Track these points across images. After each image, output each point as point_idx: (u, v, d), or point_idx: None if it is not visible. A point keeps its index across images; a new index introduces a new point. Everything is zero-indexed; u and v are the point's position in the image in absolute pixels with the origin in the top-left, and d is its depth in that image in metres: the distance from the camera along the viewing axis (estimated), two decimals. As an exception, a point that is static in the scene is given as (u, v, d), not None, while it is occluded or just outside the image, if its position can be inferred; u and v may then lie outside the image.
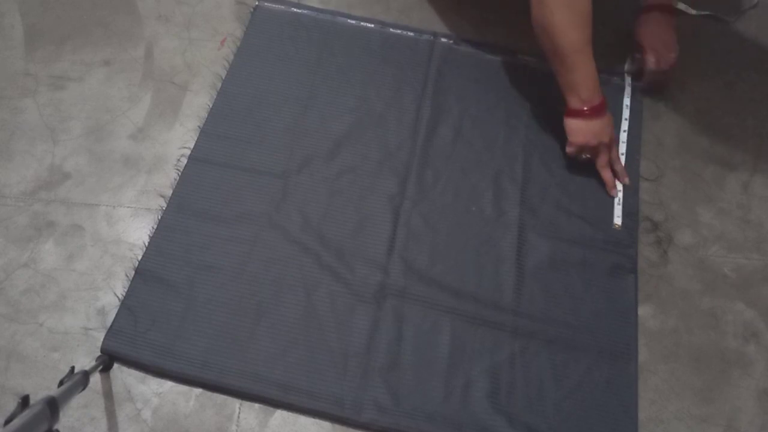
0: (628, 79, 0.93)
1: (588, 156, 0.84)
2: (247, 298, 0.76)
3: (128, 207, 0.82)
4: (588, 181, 0.85)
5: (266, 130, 0.88)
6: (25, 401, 0.54)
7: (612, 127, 0.82)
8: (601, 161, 0.84)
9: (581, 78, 0.79)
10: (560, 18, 0.76)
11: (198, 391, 0.72)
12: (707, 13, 1.00)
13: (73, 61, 0.94)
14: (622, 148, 0.88)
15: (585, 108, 0.80)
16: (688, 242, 0.83)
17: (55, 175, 0.84)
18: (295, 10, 0.99)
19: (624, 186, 0.85)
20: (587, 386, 0.72)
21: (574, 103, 0.80)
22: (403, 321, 0.75)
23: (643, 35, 0.91)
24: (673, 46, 0.90)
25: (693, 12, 0.99)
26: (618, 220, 0.83)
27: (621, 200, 0.84)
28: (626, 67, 0.94)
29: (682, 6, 1.00)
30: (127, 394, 0.71)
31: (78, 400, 0.70)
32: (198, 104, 0.90)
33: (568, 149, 0.84)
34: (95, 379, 0.71)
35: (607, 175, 0.84)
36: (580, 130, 0.81)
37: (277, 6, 0.99)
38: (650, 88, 0.93)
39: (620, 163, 0.86)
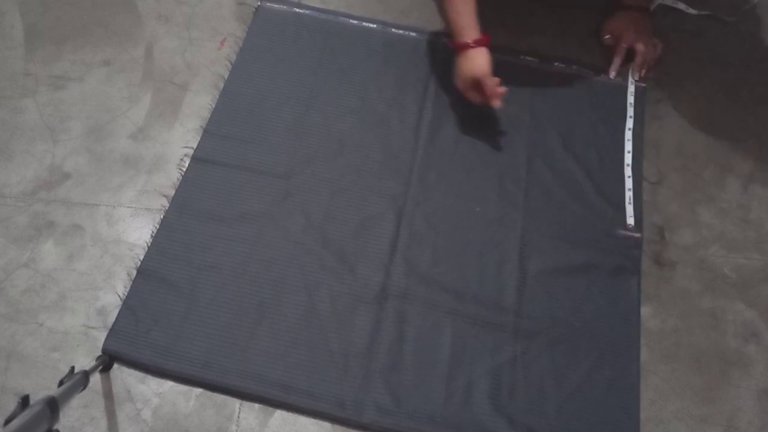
0: (631, 78, 0.93)
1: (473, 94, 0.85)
2: (248, 298, 0.75)
3: (128, 207, 0.82)
4: (591, 183, 0.85)
5: (268, 130, 0.87)
6: (25, 401, 0.53)
7: (479, 62, 0.82)
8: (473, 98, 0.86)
9: (453, 17, 0.83)
10: None
11: (198, 391, 0.71)
12: (707, 12, 1.00)
13: (73, 61, 0.93)
14: (628, 146, 0.88)
15: (448, 42, 0.85)
16: (688, 242, 0.83)
17: (55, 175, 0.84)
18: (297, 10, 0.99)
19: (627, 186, 0.85)
20: (588, 388, 0.72)
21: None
22: (405, 322, 0.75)
23: (625, 31, 0.93)
24: (653, 39, 0.94)
25: (693, 12, 1.00)
26: (630, 220, 0.83)
27: (632, 200, 0.84)
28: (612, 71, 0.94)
29: (681, 6, 1.00)
30: (127, 394, 0.71)
31: (78, 400, 0.70)
32: (198, 104, 0.90)
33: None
34: (95, 379, 0.71)
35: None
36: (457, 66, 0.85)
37: (278, 6, 0.99)
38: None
39: (494, 89, 0.83)
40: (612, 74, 0.93)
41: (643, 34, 0.93)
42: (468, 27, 0.82)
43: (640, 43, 0.92)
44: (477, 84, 0.83)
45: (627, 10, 0.94)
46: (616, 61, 0.94)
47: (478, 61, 0.82)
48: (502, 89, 0.82)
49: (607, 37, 0.94)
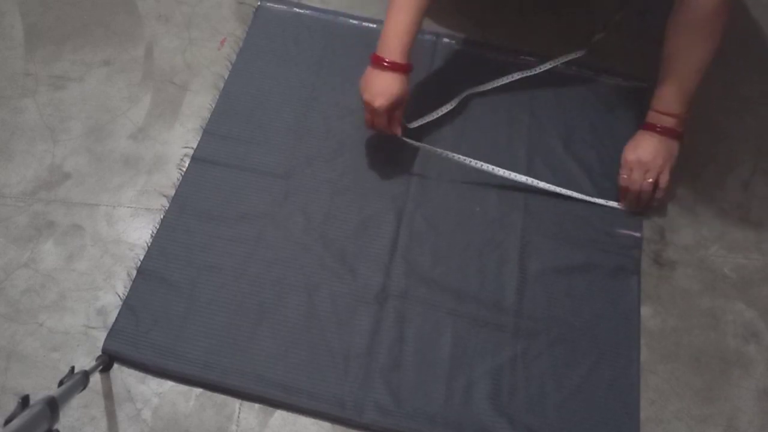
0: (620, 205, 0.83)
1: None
2: (248, 298, 0.75)
3: (128, 207, 0.82)
4: (591, 183, 0.85)
5: (269, 130, 0.87)
6: (25, 401, 0.53)
7: (395, 93, 0.73)
8: (366, 121, 0.78)
9: (385, 27, 0.74)
10: None
11: (198, 391, 0.71)
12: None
13: (73, 61, 0.93)
14: None
15: (370, 54, 0.75)
16: (688, 242, 0.83)
17: (55, 175, 0.84)
18: (297, 10, 0.99)
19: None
20: (589, 388, 0.72)
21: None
22: (405, 322, 0.75)
23: (653, 161, 0.78)
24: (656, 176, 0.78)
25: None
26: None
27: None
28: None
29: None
30: (127, 394, 0.71)
31: (78, 400, 0.70)
32: (198, 104, 0.90)
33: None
34: (95, 379, 0.71)
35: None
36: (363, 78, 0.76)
37: (279, 6, 0.99)
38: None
39: (395, 128, 0.78)
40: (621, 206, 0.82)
41: (669, 168, 0.78)
42: (396, 45, 0.73)
43: (664, 177, 0.78)
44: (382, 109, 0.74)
45: (660, 135, 0.78)
46: (629, 196, 0.80)
47: (390, 86, 0.73)
48: (398, 129, 0.79)
49: (627, 173, 0.79)
